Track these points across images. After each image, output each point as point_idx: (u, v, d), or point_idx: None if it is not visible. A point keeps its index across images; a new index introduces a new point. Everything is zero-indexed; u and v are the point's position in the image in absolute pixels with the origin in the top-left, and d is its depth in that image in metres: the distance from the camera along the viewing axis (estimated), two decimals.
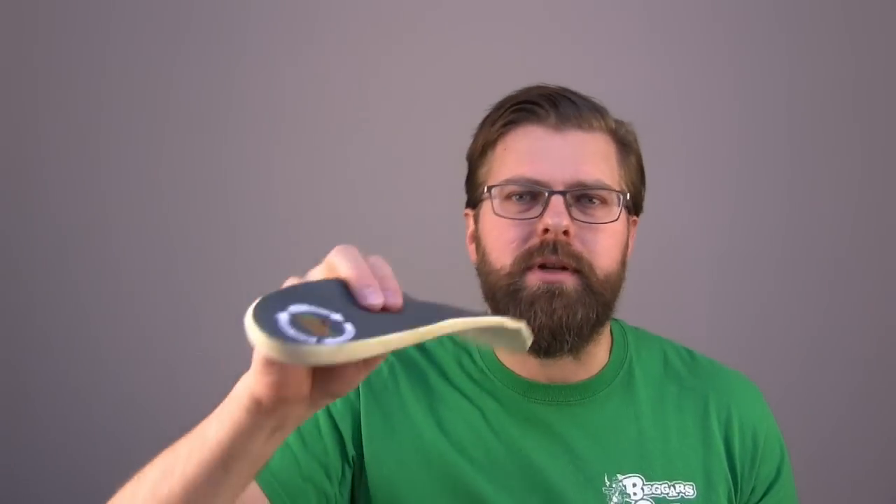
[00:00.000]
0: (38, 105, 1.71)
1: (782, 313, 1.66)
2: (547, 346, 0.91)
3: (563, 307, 0.90)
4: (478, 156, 0.99)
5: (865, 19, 1.65)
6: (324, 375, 0.60)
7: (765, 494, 0.99)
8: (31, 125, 1.71)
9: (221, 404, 0.64)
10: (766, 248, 1.66)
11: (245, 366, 1.84)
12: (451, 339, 1.03)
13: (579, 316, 0.90)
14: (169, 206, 1.70)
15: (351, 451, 0.92)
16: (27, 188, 1.71)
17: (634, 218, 1.01)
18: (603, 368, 0.99)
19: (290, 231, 1.69)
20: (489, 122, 0.98)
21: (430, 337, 0.58)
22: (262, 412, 0.60)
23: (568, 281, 0.90)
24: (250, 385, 0.60)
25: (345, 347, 0.53)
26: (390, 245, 1.63)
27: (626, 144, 0.97)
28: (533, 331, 0.88)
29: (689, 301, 1.65)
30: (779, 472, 1.00)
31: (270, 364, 0.57)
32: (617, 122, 0.98)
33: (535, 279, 0.90)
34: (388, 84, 1.68)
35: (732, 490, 0.97)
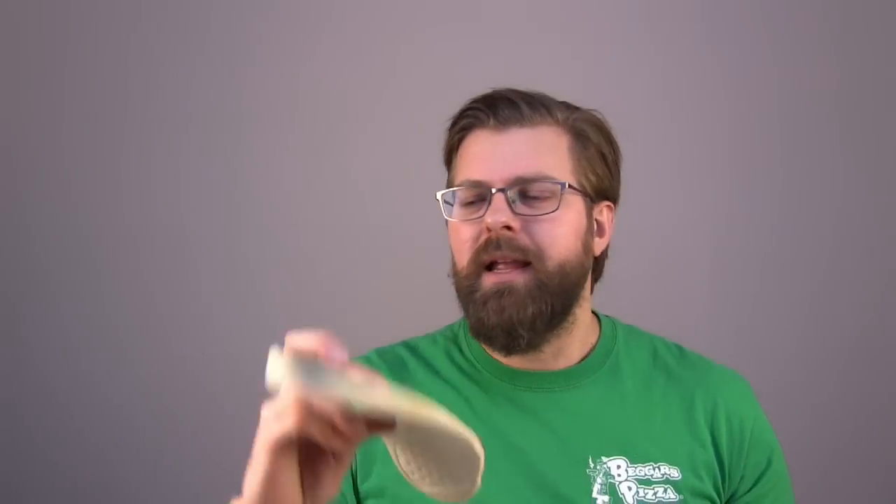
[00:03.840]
0: (46, 106, 1.75)
1: (779, 310, 1.65)
2: (504, 342, 0.95)
3: (512, 304, 0.93)
4: (446, 165, 1.05)
5: (861, 17, 1.64)
6: (312, 487, 0.63)
7: (756, 483, 1.00)
8: (38, 126, 1.75)
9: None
10: (763, 245, 1.65)
11: (245, 367, 1.85)
12: (443, 333, 1.08)
13: (529, 311, 0.93)
14: (169, 209, 1.73)
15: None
16: (31, 190, 1.75)
17: (608, 203, 1.03)
18: (587, 357, 1.02)
19: (292, 234, 1.71)
20: (448, 132, 1.04)
21: (412, 414, 0.56)
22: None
23: (518, 279, 0.94)
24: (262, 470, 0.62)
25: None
26: (392, 249, 1.68)
27: (580, 134, 0.99)
28: (488, 329, 0.94)
29: (685, 298, 1.65)
30: (769, 462, 1.01)
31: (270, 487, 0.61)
32: (574, 111, 1.00)
33: (488, 281, 0.95)
34: (392, 87, 1.70)
35: (720, 479, 0.98)
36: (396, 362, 1.04)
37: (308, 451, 0.62)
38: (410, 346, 1.06)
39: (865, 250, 1.64)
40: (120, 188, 1.74)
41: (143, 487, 1.71)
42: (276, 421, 0.59)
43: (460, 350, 1.04)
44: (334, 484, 0.63)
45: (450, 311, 1.10)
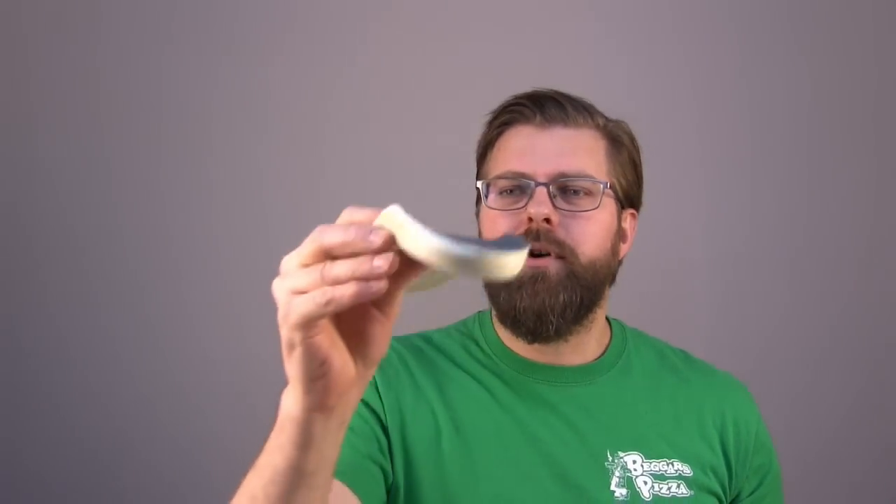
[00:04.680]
0: (37, 105, 1.72)
1: (782, 313, 1.68)
2: (533, 327, 0.97)
3: (546, 290, 0.96)
4: (480, 157, 1.07)
5: (869, 17, 1.68)
6: (360, 348, 0.60)
7: (760, 484, 1.05)
8: (31, 126, 1.72)
9: (275, 433, 0.62)
10: (767, 248, 1.68)
11: (241, 366, 1.84)
12: (457, 328, 1.10)
13: (561, 298, 0.96)
14: (169, 208, 1.71)
15: (387, 425, 0.97)
16: (27, 189, 1.71)
17: (632, 211, 1.07)
18: (602, 356, 1.06)
19: (298, 234, 1.70)
20: (487, 125, 1.06)
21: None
22: (323, 419, 0.59)
23: (552, 266, 0.96)
24: (302, 401, 0.58)
25: (517, 255, 0.53)
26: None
27: (616, 140, 1.03)
28: (520, 312, 0.96)
29: (685, 301, 1.67)
30: (770, 463, 1.07)
31: (319, 368, 0.56)
32: (609, 120, 1.04)
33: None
34: (390, 84, 1.69)
35: (726, 480, 1.02)
36: (417, 351, 1.05)
37: (343, 316, 0.58)
38: (425, 338, 1.08)
39: (867, 252, 1.67)
40: (123, 190, 1.72)
41: (142, 491, 1.68)
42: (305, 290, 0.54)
43: (476, 343, 1.06)
44: (385, 339, 0.60)
45: (456, 309, 1.11)
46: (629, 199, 1.05)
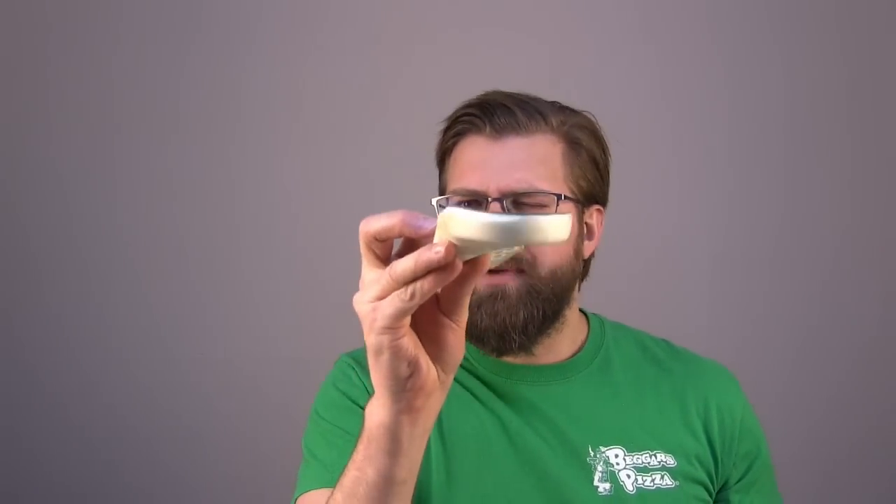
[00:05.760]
0: (49, 104, 1.75)
1: (778, 311, 1.68)
2: (496, 345, 0.99)
3: (505, 309, 0.96)
4: (439, 165, 1.08)
5: (861, 20, 1.69)
6: (438, 355, 0.63)
7: (747, 470, 1.05)
8: (35, 127, 1.75)
9: (363, 447, 0.67)
10: (763, 246, 1.68)
11: (243, 364, 1.84)
12: None
13: (521, 316, 0.97)
14: (174, 208, 1.74)
15: None
16: (28, 191, 1.74)
17: (598, 207, 1.06)
18: (579, 352, 1.06)
19: (294, 234, 1.72)
20: (442, 134, 1.06)
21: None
22: (410, 423, 0.63)
23: (511, 283, 0.96)
24: (391, 406, 0.62)
25: (559, 218, 0.56)
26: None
27: (573, 142, 1.02)
28: (482, 331, 0.97)
29: (686, 299, 1.67)
30: (759, 450, 1.06)
31: (407, 368, 0.60)
32: (568, 115, 1.02)
33: (482, 283, 0.96)
34: (394, 87, 1.72)
35: (712, 468, 1.02)
36: None
37: (419, 327, 0.62)
38: None
39: (864, 251, 1.68)
40: (118, 189, 1.74)
41: (140, 487, 1.68)
42: (385, 297, 0.57)
43: None
44: (459, 345, 0.63)
45: None
46: (592, 197, 1.04)
